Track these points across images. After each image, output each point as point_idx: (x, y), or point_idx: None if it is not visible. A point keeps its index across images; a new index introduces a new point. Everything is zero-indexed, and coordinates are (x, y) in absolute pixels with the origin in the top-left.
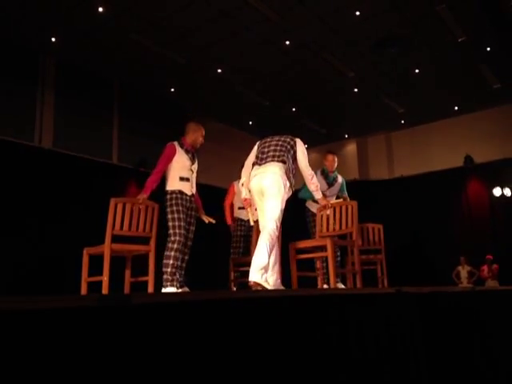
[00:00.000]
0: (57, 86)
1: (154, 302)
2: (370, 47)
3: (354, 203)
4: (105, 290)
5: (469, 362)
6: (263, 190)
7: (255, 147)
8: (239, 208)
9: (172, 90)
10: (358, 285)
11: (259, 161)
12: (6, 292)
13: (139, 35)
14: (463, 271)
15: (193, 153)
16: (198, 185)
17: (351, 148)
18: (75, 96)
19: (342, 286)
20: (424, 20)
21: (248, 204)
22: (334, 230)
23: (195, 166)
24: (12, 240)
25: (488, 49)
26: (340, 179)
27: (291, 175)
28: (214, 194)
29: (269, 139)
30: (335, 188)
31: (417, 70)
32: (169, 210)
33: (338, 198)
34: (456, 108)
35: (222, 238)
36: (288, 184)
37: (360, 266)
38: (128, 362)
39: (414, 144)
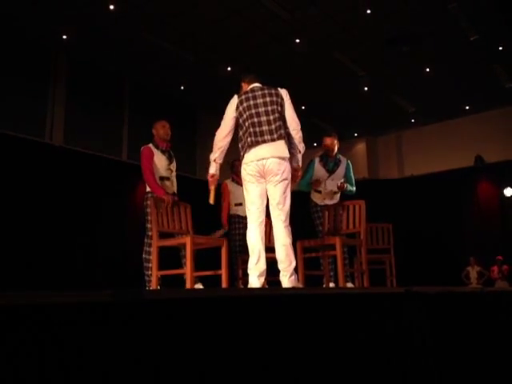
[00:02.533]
0: (68, 83)
1: (166, 298)
2: (381, 46)
3: (362, 202)
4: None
5: (478, 363)
6: (266, 172)
7: (233, 107)
8: (235, 204)
9: (182, 87)
10: (366, 284)
11: (254, 137)
12: (20, 289)
13: (150, 33)
14: (473, 272)
15: (169, 152)
16: (205, 181)
17: (361, 147)
18: (86, 93)
19: (352, 285)
20: (436, 19)
21: (214, 181)
22: (342, 229)
23: (174, 165)
24: (22, 236)
25: (500, 48)
26: (344, 161)
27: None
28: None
29: (251, 95)
30: (339, 173)
31: (428, 69)
32: (149, 210)
33: (345, 182)
34: (467, 107)
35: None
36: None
37: (368, 266)
38: (140, 357)
39: (424, 143)
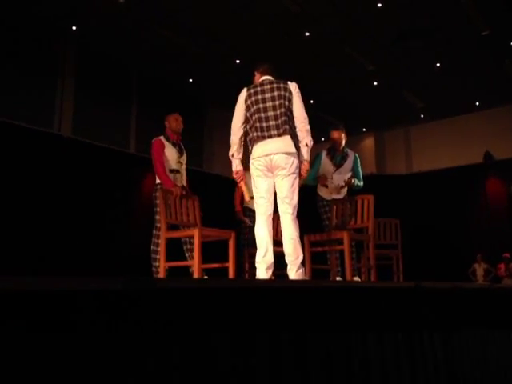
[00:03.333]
0: (77, 75)
1: (179, 287)
2: (390, 40)
3: (371, 197)
4: (198, 274)
5: (486, 359)
6: (273, 167)
7: (242, 100)
8: (251, 197)
9: (190, 80)
10: (373, 280)
11: (260, 132)
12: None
13: (159, 25)
14: (479, 269)
15: (179, 145)
16: (214, 174)
17: (369, 142)
18: (95, 84)
19: (359, 280)
20: (447, 13)
21: (240, 177)
22: (350, 224)
23: (184, 158)
24: (30, 227)
25: (511, 43)
26: (351, 154)
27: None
28: (229, 185)
29: (259, 89)
30: (346, 167)
31: (438, 64)
32: (157, 202)
33: (352, 176)
34: (477, 103)
35: (236, 227)
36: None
37: (375, 261)
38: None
39: (432, 139)
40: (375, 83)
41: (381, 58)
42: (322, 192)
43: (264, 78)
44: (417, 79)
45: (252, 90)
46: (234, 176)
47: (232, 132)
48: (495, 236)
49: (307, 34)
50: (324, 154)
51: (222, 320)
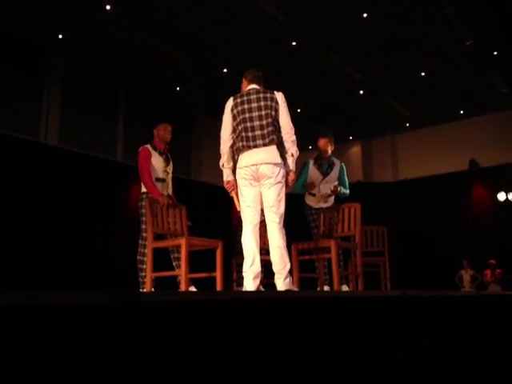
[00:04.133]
0: (63, 83)
1: (164, 300)
2: (376, 50)
3: (357, 206)
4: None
5: (473, 367)
6: (259, 176)
7: (228, 109)
8: None
9: (178, 88)
10: (360, 287)
11: (246, 142)
12: (15, 290)
13: (146, 34)
14: (466, 275)
15: (166, 154)
16: (202, 183)
17: (356, 150)
18: (81, 93)
19: (347, 289)
20: (431, 23)
21: (231, 187)
22: (337, 232)
23: (170, 167)
24: (15, 237)
25: (495, 53)
26: (338, 163)
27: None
28: (218, 193)
29: (246, 98)
30: (333, 175)
31: (423, 73)
32: (143, 211)
33: (338, 185)
34: (462, 112)
35: (224, 236)
36: (283, 169)
37: (362, 269)
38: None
39: (419, 147)
40: (361, 92)
41: (367, 67)
42: (310, 201)
43: (251, 86)
44: (402, 88)
45: (238, 100)
46: (226, 186)
47: (221, 141)
48: (481, 243)
49: (294, 43)
50: (311, 162)
51: (209, 334)
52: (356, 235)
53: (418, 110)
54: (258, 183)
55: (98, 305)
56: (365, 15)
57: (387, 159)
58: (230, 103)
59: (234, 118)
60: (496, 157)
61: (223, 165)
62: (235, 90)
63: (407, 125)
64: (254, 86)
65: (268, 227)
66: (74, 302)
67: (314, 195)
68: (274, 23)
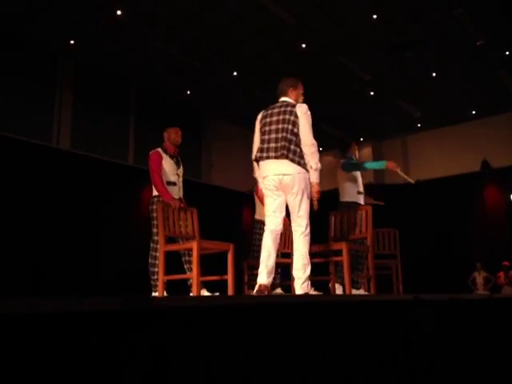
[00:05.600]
0: (75, 88)
1: (176, 306)
2: (386, 50)
3: (369, 208)
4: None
5: (487, 372)
6: (283, 187)
7: (257, 122)
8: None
9: (188, 92)
10: (372, 290)
11: (260, 152)
12: (27, 295)
13: (156, 38)
14: (479, 277)
15: (177, 157)
16: (213, 186)
17: (366, 151)
18: (93, 98)
19: (359, 292)
20: (441, 24)
21: (259, 194)
22: (349, 234)
23: (181, 170)
24: (27, 240)
25: (507, 53)
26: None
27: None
28: (228, 196)
29: (269, 112)
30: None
31: (434, 74)
32: (155, 215)
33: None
34: (473, 112)
35: (235, 239)
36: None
37: (374, 271)
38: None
39: (430, 148)
40: (372, 93)
41: (377, 68)
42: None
43: (280, 99)
44: (413, 89)
45: (265, 113)
46: (259, 193)
47: (252, 152)
48: (494, 244)
49: (303, 45)
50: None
51: (223, 339)
52: (368, 238)
53: (429, 110)
54: (281, 192)
55: (114, 311)
56: (374, 16)
57: (398, 160)
58: (259, 115)
59: (260, 129)
60: (508, 157)
61: (256, 176)
62: (244, 93)
63: (418, 125)
64: (282, 98)
65: (293, 234)
66: (90, 308)
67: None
68: (283, 26)
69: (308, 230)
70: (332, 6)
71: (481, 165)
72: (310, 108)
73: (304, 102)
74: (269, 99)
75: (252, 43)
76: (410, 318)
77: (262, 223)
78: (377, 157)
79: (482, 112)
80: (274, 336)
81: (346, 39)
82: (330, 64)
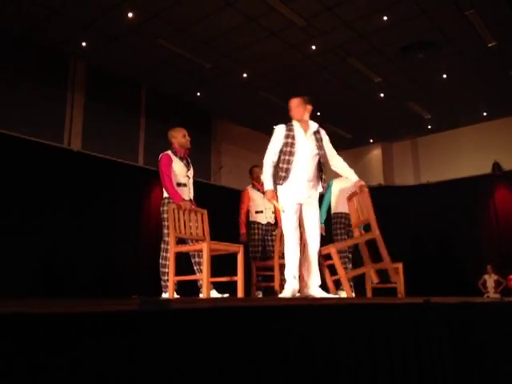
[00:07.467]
0: (86, 89)
1: (193, 308)
2: (397, 52)
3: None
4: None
5: (498, 375)
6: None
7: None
8: (256, 212)
9: (198, 94)
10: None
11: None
12: (37, 295)
13: (167, 40)
14: (490, 280)
15: (187, 159)
16: (222, 187)
17: (376, 153)
18: (104, 99)
19: (344, 295)
20: (453, 25)
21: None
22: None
23: (191, 172)
24: (39, 240)
25: None
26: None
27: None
28: (238, 197)
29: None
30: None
31: (445, 76)
32: (165, 216)
33: None
34: (484, 114)
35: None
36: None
37: (390, 259)
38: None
39: (440, 150)
40: (382, 95)
41: (387, 69)
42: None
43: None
44: (424, 90)
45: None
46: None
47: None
48: (505, 247)
49: (313, 47)
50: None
51: (235, 340)
52: (371, 222)
53: (439, 112)
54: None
55: (133, 311)
56: (385, 18)
57: (408, 162)
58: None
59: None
60: None
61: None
62: (254, 95)
63: (429, 127)
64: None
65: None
66: (103, 309)
67: None
68: (294, 28)
69: (287, 238)
70: (342, 7)
71: (492, 167)
72: (320, 109)
73: (293, 118)
74: (279, 101)
75: (263, 45)
76: (420, 322)
77: (258, 224)
78: (387, 158)
79: (494, 114)
80: (287, 340)
81: (356, 41)
82: (340, 66)
